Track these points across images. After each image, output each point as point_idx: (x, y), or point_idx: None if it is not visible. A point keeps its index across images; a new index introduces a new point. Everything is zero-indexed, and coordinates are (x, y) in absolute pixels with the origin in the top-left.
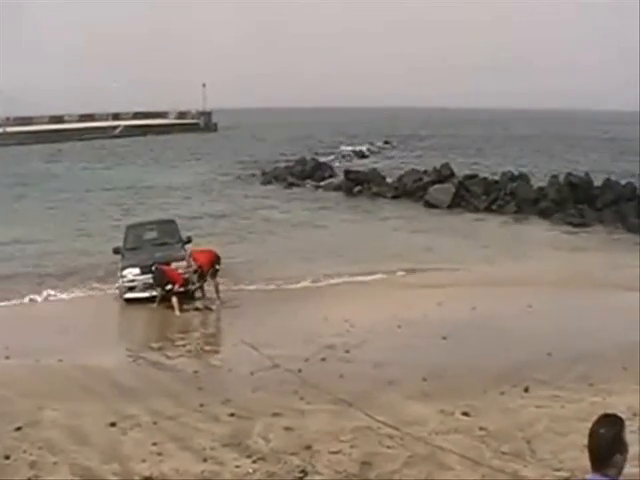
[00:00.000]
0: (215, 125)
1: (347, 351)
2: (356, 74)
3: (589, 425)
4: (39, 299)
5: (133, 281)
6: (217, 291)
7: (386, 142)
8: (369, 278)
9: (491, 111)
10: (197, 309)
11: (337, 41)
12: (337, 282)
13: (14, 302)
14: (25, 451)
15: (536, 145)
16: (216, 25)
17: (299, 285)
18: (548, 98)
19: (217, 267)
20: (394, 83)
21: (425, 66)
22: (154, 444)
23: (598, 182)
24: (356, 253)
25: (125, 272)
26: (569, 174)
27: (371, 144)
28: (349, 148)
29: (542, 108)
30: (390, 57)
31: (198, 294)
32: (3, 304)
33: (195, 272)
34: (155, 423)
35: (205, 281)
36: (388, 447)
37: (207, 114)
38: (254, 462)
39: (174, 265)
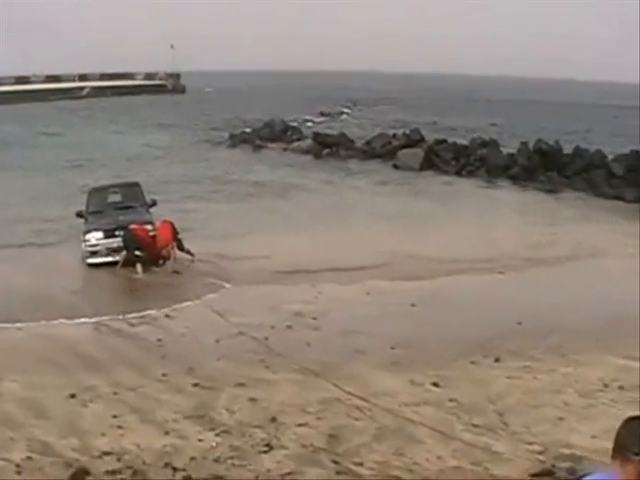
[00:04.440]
0: (183, 87)
1: (314, 318)
2: (326, 37)
3: (561, 397)
4: None
5: (96, 245)
6: (189, 252)
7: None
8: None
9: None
10: (162, 274)
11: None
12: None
13: None
14: None
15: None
16: None
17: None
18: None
19: (178, 237)
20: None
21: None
22: (114, 417)
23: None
24: (328, 218)
25: (88, 236)
26: (539, 141)
27: (343, 107)
28: (319, 111)
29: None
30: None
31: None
32: None
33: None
34: (116, 394)
35: (170, 256)
36: (356, 419)
37: (175, 76)
38: (217, 435)
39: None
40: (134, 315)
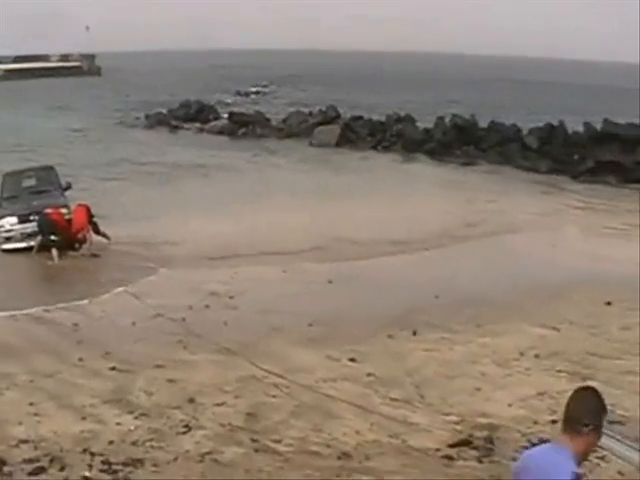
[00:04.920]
0: (99, 68)
1: (231, 297)
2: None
3: (478, 367)
4: None
5: (10, 231)
6: (105, 236)
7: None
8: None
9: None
10: (78, 257)
11: None
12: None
13: None
14: None
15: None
16: None
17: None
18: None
19: (94, 220)
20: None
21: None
22: (31, 404)
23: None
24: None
25: (2, 222)
26: (454, 116)
27: (259, 86)
28: (235, 90)
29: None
30: None
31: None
32: None
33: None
34: (32, 381)
35: (86, 240)
36: (274, 397)
37: (90, 57)
38: (136, 418)
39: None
40: (53, 307)
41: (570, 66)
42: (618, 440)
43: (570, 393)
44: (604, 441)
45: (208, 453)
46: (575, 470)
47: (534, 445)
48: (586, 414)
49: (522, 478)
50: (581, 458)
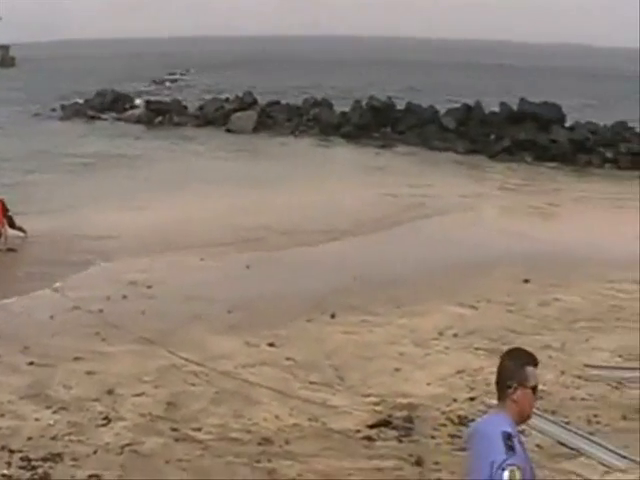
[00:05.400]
0: (13, 59)
1: (149, 287)
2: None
3: (397, 348)
4: None
5: None
6: (22, 229)
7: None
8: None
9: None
10: None
11: None
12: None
13: None
14: None
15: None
16: None
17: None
18: None
19: (9, 214)
20: None
21: None
22: None
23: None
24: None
25: None
26: (371, 98)
27: (177, 74)
28: (153, 79)
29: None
30: None
31: None
32: None
33: None
34: None
35: (1, 234)
36: (193, 385)
37: (4, 48)
38: (55, 412)
39: None
40: None
41: (488, 47)
42: (536, 414)
43: (488, 370)
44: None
45: (128, 444)
46: (504, 429)
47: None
48: (506, 376)
49: (469, 443)
50: (518, 419)
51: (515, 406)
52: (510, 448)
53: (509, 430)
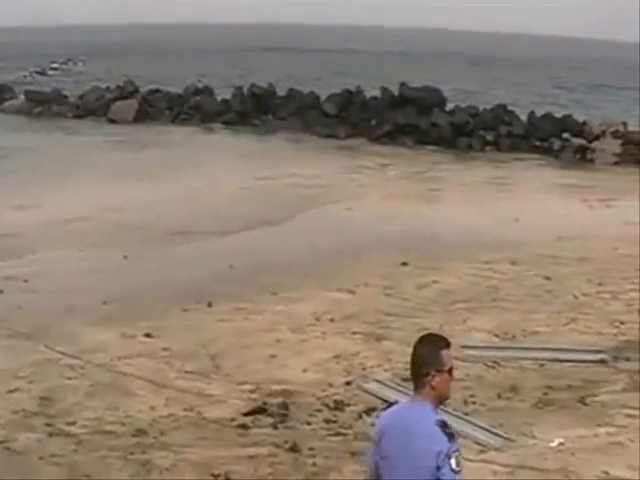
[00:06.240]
0: None
1: (26, 280)
2: None
3: (273, 335)
4: None
5: None
6: None
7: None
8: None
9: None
10: None
11: None
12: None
13: None
14: None
15: None
16: None
17: None
18: None
19: None
20: None
21: None
22: None
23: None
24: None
25: None
26: (253, 85)
27: (60, 63)
28: (35, 68)
29: None
30: None
31: None
32: None
33: None
34: None
35: None
36: (69, 378)
37: None
38: None
39: None
40: None
41: (369, 33)
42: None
43: (364, 354)
44: (396, 397)
45: (0, 442)
46: (437, 418)
47: (389, 406)
48: (422, 364)
49: (389, 435)
50: (438, 403)
51: (434, 392)
52: (451, 435)
53: (442, 418)
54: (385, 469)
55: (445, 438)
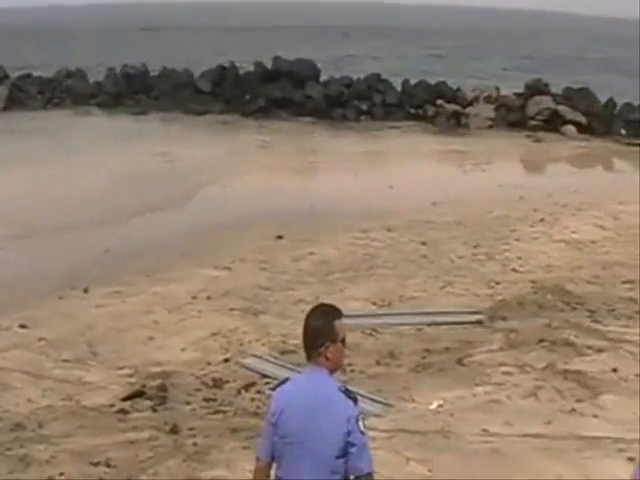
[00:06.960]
0: None
1: None
2: None
3: (150, 317)
4: None
5: None
6: None
7: None
8: None
9: None
10: None
11: None
12: None
13: None
14: None
15: None
16: None
17: None
18: None
19: None
20: None
21: None
22: None
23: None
24: None
25: None
26: (125, 66)
27: None
28: None
29: None
30: None
31: None
32: None
33: None
34: None
35: None
36: None
37: None
38: None
39: None
40: None
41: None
42: (290, 369)
43: (242, 329)
44: (274, 371)
45: None
46: (338, 386)
47: (280, 384)
48: (316, 336)
49: (288, 413)
50: (333, 372)
51: (329, 362)
52: (355, 399)
53: (342, 385)
54: (286, 448)
55: (351, 403)
